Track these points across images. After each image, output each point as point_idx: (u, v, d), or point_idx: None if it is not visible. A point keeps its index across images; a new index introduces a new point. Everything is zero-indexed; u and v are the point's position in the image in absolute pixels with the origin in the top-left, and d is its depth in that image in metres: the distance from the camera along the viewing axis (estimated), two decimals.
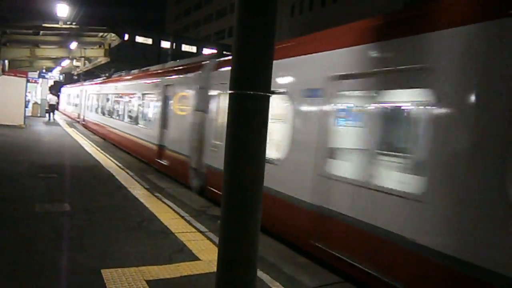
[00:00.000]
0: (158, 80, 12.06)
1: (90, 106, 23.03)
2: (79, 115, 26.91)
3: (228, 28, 61.25)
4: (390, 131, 4.97)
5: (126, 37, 49.77)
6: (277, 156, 5.96)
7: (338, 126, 5.17)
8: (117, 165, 11.00)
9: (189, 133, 9.13)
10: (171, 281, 4.02)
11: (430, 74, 3.81)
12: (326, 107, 5.10)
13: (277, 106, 6.39)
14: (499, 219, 3.21)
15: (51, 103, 26.32)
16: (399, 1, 19.80)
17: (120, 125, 15.69)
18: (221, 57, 9.01)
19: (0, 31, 15.54)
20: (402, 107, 5.05)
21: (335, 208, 4.79)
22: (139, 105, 13.84)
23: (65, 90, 37.87)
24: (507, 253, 3.13)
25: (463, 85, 3.61)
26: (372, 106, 4.56)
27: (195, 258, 4.69)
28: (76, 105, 30.02)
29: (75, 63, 23.90)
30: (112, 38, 17.32)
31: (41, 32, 16.10)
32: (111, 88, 18.42)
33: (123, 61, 32.77)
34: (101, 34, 17.06)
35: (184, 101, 9.87)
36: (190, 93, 9.52)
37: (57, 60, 22.36)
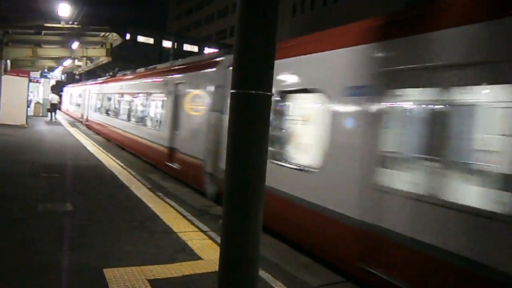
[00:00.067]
0: (169, 78, 11.31)
1: (94, 106, 22.34)
2: (82, 115, 26.34)
3: (229, 28, 61.23)
4: (471, 136, 4.01)
5: (128, 36, 49.61)
6: (312, 162, 5.24)
7: (394, 129, 4.30)
8: (119, 164, 11.00)
9: (204, 135, 8.38)
10: (173, 280, 4.02)
11: None
12: (379, 107, 4.29)
13: (309, 106, 6.02)
14: None
15: (53, 102, 26.28)
16: (399, 1, 19.76)
17: (127, 125, 14.94)
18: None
19: (2, 31, 15.59)
20: (490, 107, 3.97)
21: (395, 228, 3.97)
22: (148, 105, 13.12)
23: (68, 90, 37.57)
24: None
25: None
26: (448, 106, 3.73)
27: (197, 257, 4.69)
28: (79, 105, 29.42)
29: (77, 62, 24.01)
30: (113, 37, 17.36)
31: (43, 32, 16.15)
32: (117, 87, 17.69)
33: (124, 61, 32.82)
34: (102, 33, 17.11)
35: (197, 100, 9.13)
36: (204, 92, 8.79)
37: (59, 60, 22.44)
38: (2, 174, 8.30)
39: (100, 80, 24.17)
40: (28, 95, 21.23)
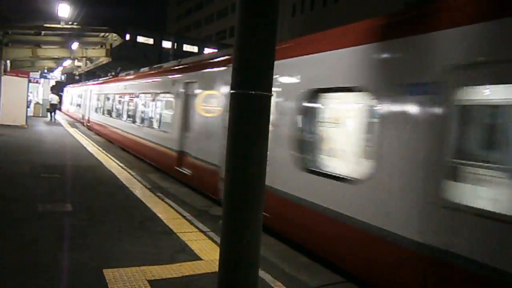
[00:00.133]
0: (177, 77, 10.61)
1: (96, 106, 21.68)
2: (83, 116, 25.80)
3: (229, 28, 61.30)
4: None
5: (128, 37, 49.75)
6: (353, 171, 4.53)
7: (468, 135, 3.65)
8: (119, 165, 11.00)
9: (219, 139, 7.37)
10: (173, 281, 4.02)
11: None
12: (448, 109, 3.52)
13: (349, 106, 5.51)
14: None
15: (52, 102, 26.17)
16: (399, 1, 19.80)
17: (131, 127, 14.21)
18: None
19: (1, 32, 15.60)
20: None
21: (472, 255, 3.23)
22: (155, 106, 12.38)
23: (68, 90, 37.34)
24: None
25: None
26: None
27: (197, 258, 4.69)
28: (79, 106, 28.90)
29: (76, 63, 24.02)
30: (113, 38, 17.38)
31: (43, 32, 16.16)
32: (121, 87, 16.80)
33: (124, 61, 32.80)
34: (102, 34, 17.12)
35: (211, 101, 8.37)
36: (219, 91, 8.01)
37: (58, 60, 22.46)
38: (2, 175, 8.30)
39: (102, 80, 23.80)
40: (27, 96, 21.23)
